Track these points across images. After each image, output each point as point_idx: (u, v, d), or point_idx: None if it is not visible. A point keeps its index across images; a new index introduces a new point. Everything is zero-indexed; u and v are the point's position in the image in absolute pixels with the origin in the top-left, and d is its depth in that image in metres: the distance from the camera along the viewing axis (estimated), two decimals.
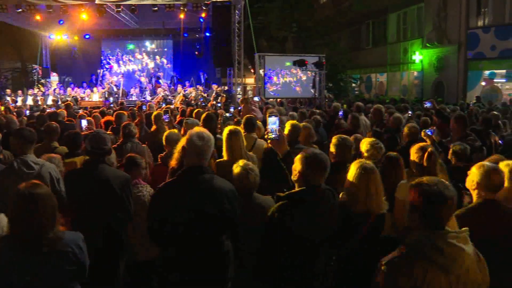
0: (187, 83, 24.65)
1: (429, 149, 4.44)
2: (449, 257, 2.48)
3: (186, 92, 22.22)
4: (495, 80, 24.02)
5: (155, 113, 8.16)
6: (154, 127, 7.93)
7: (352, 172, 3.65)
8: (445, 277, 2.48)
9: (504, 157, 5.04)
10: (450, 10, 24.12)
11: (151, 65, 28.28)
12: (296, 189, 3.51)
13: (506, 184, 3.89)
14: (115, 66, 28.21)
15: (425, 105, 9.56)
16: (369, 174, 3.60)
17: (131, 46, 28.11)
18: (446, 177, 4.40)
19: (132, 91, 24.70)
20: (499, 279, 2.76)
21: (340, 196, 3.77)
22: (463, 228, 2.60)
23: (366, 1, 30.60)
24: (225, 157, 5.05)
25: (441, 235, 2.51)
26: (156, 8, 19.76)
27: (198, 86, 23.80)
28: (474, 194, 3.74)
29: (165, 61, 28.55)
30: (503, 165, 4.20)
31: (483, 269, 2.62)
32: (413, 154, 4.46)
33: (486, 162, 3.82)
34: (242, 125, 6.09)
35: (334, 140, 5.03)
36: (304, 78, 20.96)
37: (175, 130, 6.44)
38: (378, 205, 3.62)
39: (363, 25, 33.92)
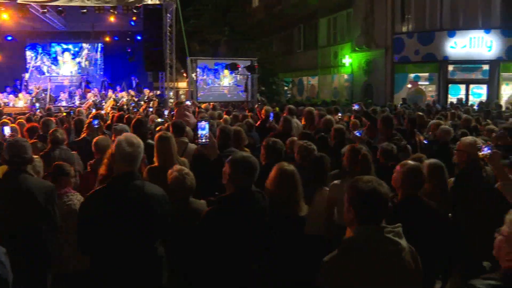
0: (118, 88, 24.08)
1: (363, 151, 4.60)
2: (387, 251, 2.56)
3: (117, 97, 21.72)
4: (419, 83, 25.16)
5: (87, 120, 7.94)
6: (84, 133, 7.72)
7: (272, 175, 3.71)
8: (384, 271, 2.55)
9: (426, 156, 5.32)
10: (377, 16, 25.04)
11: (80, 69, 27.40)
12: (227, 192, 3.53)
13: (428, 181, 4.11)
14: (42, 70, 27.07)
15: (354, 108, 9.84)
16: (289, 177, 3.68)
17: (58, 49, 27.04)
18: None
19: (61, 96, 23.81)
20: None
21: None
22: (397, 224, 2.68)
23: (297, 6, 31.14)
24: (156, 163, 5.00)
25: (378, 231, 2.58)
26: (85, 10, 19.15)
27: (129, 90, 23.30)
28: (399, 191, 3.92)
29: (94, 66, 27.75)
30: (426, 164, 4.43)
31: (416, 262, 2.71)
32: (347, 155, 4.60)
33: (409, 161, 4.01)
34: (170, 130, 6.05)
35: (264, 143, 5.10)
36: (236, 81, 21.09)
37: (105, 136, 6.29)
38: (297, 207, 3.70)
39: (295, 29, 34.49)
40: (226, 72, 20.82)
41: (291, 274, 3.47)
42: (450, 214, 4.78)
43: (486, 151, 3.92)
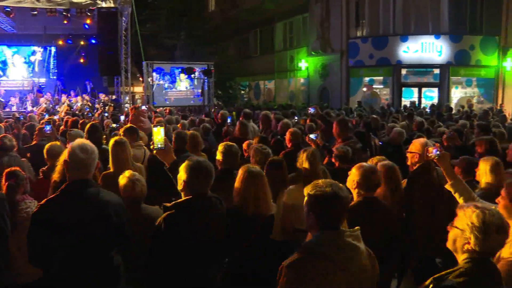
0: (72, 93, 23.49)
1: (311, 153, 4.65)
2: (347, 255, 2.58)
3: (71, 102, 21.24)
4: (374, 86, 25.70)
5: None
6: (35, 139, 7.52)
7: (240, 176, 3.72)
8: (344, 275, 2.57)
9: (383, 158, 5.43)
10: (332, 20, 25.44)
11: (32, 73, 26.60)
12: (183, 198, 3.50)
13: (383, 183, 4.20)
14: None
15: (309, 111, 9.95)
16: (256, 178, 3.70)
17: (8, 52, 26.17)
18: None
19: (12, 101, 23.05)
20: None
21: None
22: (356, 227, 2.72)
23: (254, 11, 31.28)
24: (111, 169, 4.93)
25: (338, 235, 2.61)
26: (35, 12, 18.68)
27: (84, 95, 22.82)
28: (355, 193, 3.98)
29: (47, 70, 26.99)
30: (380, 166, 4.53)
31: (374, 264, 2.76)
32: (301, 160, 4.63)
33: (364, 163, 4.08)
34: (122, 135, 5.96)
35: (220, 147, 5.09)
36: (193, 86, 21.00)
37: (58, 142, 6.14)
38: (267, 207, 3.72)
39: (251, 33, 34.62)
40: (182, 76, 20.71)
41: (262, 272, 3.47)
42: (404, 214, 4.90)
43: (435, 152, 4.04)
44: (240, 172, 3.77)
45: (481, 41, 23.19)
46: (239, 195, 3.70)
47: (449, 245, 2.57)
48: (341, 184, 2.75)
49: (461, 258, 2.50)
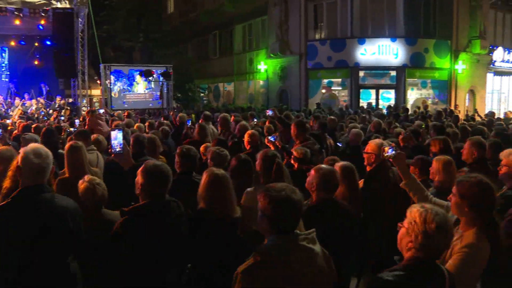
0: (26, 96, 22.82)
1: (271, 154, 4.66)
2: (301, 259, 2.59)
3: (26, 105, 20.65)
4: (332, 88, 26.04)
5: None
6: None
7: (205, 180, 3.70)
8: (299, 278, 2.57)
9: (338, 159, 5.51)
10: (291, 23, 25.63)
11: None
12: (140, 202, 3.45)
13: (340, 183, 4.26)
14: None
15: (268, 114, 10.00)
16: (222, 180, 3.69)
17: None
18: (290, 182, 4.64)
19: None
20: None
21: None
22: (311, 230, 2.73)
23: (213, 13, 31.21)
24: (66, 174, 4.83)
25: (292, 239, 2.61)
26: None
27: (39, 98, 22.22)
28: (314, 194, 4.02)
29: None
30: (338, 167, 4.59)
31: (329, 265, 2.78)
32: (260, 162, 4.63)
33: (323, 165, 4.13)
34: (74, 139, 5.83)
35: (178, 150, 5.05)
36: (151, 88, 20.79)
37: (8, 147, 5.94)
38: (233, 209, 3.71)
39: (210, 35, 34.48)
40: (139, 78, 20.48)
41: (227, 275, 3.46)
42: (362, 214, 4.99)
43: (390, 152, 4.11)
44: (205, 175, 3.75)
45: (434, 45, 23.90)
46: (204, 198, 3.67)
47: (398, 244, 2.63)
48: (294, 187, 2.75)
49: (406, 256, 2.56)
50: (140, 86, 21.46)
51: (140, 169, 3.46)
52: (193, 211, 3.76)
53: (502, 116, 21.36)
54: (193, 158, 4.99)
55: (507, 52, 27.74)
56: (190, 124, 9.40)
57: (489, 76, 27.34)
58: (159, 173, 3.42)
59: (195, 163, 5.01)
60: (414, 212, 2.55)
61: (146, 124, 10.21)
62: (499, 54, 27.07)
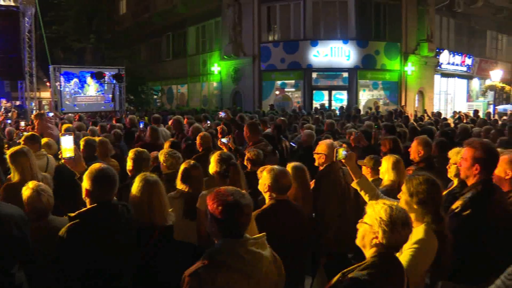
0: None
1: (225, 156, 4.66)
2: (249, 263, 2.58)
3: None
4: (286, 90, 26.26)
5: None
6: None
7: (135, 185, 3.59)
8: (247, 283, 2.57)
9: (294, 159, 5.55)
10: (244, 25, 25.69)
11: None
12: (88, 206, 3.32)
13: (293, 184, 4.29)
14: None
15: (220, 115, 10.00)
16: (152, 186, 3.58)
17: None
18: (245, 184, 4.66)
19: None
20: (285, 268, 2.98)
21: None
22: (261, 234, 2.73)
23: (166, 14, 30.95)
24: (14, 179, 4.67)
25: (241, 243, 2.60)
26: None
27: None
28: (267, 196, 4.03)
29: None
30: (290, 167, 4.63)
31: (279, 269, 2.78)
32: (214, 164, 4.61)
33: (275, 166, 4.13)
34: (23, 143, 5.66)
35: (130, 154, 4.98)
36: (103, 91, 20.42)
37: None
38: (163, 217, 3.58)
39: (163, 37, 34.19)
40: (90, 80, 20.08)
41: (161, 283, 3.40)
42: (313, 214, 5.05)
43: (343, 153, 4.17)
44: (137, 180, 3.63)
45: (385, 47, 24.51)
46: (134, 204, 3.55)
47: (358, 241, 2.69)
48: (244, 191, 2.75)
49: (369, 252, 2.62)
50: (92, 88, 21.06)
51: (86, 173, 3.35)
52: None
53: (449, 116, 22.13)
54: (146, 161, 4.93)
55: (452, 55, 28.76)
56: (142, 126, 9.29)
57: (437, 77, 28.26)
58: (104, 177, 3.31)
59: (148, 166, 4.95)
60: (378, 208, 2.61)
61: (98, 127, 10.04)
62: (445, 57, 28.03)
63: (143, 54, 35.22)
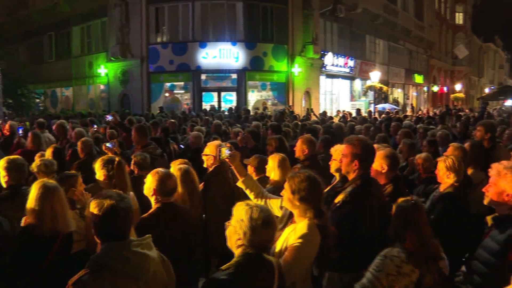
0: None
1: (116, 162, 4.51)
2: (135, 265, 2.56)
3: None
4: (175, 91, 26.09)
5: None
6: None
7: (34, 192, 3.48)
8: (135, 284, 2.55)
9: (184, 161, 5.50)
10: (132, 26, 25.12)
11: None
12: None
13: (179, 186, 4.26)
14: None
15: (107, 119, 9.71)
16: (52, 193, 3.50)
17: None
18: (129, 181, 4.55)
19: None
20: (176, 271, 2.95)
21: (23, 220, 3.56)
22: (146, 235, 2.72)
23: (47, 12, 29.43)
24: None
25: (125, 245, 2.58)
26: None
27: None
28: (153, 200, 3.97)
29: None
30: (176, 170, 4.59)
31: (168, 269, 2.79)
32: (99, 170, 4.45)
33: (160, 169, 4.08)
34: None
35: (2, 162, 4.61)
36: None
37: None
38: (65, 224, 3.51)
39: (45, 36, 32.46)
40: None
41: None
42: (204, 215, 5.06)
43: (226, 152, 4.22)
44: (35, 187, 3.51)
45: (272, 49, 25.17)
46: (34, 213, 3.44)
47: (228, 242, 2.74)
48: (125, 195, 2.75)
49: (236, 253, 2.67)
50: None
51: None
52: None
53: (334, 115, 23.22)
54: (22, 169, 4.59)
55: (335, 57, 30.19)
56: (21, 132, 8.74)
57: (322, 78, 29.52)
58: None
59: (24, 174, 4.63)
60: (240, 210, 2.66)
61: None
62: (329, 59, 29.36)
63: (22, 55, 33.15)
